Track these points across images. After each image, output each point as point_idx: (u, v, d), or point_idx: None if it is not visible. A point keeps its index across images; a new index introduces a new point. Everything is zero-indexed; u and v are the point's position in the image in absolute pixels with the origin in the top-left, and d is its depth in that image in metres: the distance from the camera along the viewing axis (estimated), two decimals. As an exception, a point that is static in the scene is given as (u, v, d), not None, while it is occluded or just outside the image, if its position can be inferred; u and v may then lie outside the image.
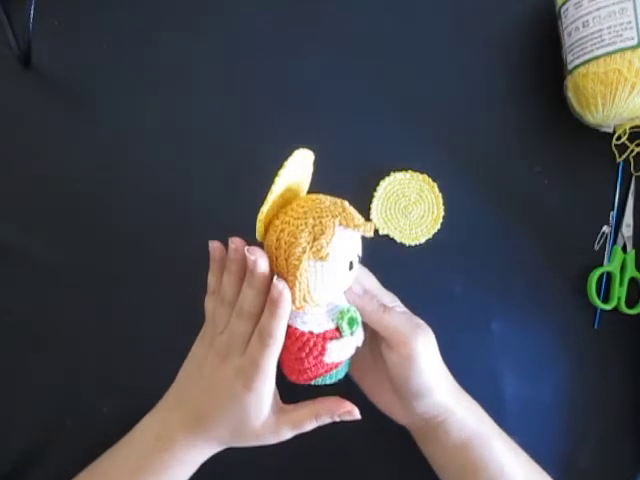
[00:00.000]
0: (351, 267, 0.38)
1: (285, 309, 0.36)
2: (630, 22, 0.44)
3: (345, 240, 0.37)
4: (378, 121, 0.51)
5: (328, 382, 0.40)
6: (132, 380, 0.47)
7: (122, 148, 0.50)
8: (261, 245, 0.38)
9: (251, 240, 0.39)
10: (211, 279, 0.42)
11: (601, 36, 0.45)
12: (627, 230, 0.51)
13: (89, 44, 0.50)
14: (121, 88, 0.50)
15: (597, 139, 0.51)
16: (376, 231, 0.50)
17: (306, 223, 0.36)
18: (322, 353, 0.38)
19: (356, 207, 0.38)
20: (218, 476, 0.43)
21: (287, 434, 0.40)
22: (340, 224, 0.36)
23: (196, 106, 0.50)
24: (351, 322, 0.39)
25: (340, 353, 0.39)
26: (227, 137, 0.50)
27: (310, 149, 0.39)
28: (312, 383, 0.40)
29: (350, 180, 0.50)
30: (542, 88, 0.52)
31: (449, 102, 0.52)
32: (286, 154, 0.36)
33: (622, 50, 0.44)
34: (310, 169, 0.42)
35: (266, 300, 0.37)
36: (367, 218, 0.50)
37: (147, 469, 0.40)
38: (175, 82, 0.51)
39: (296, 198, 0.40)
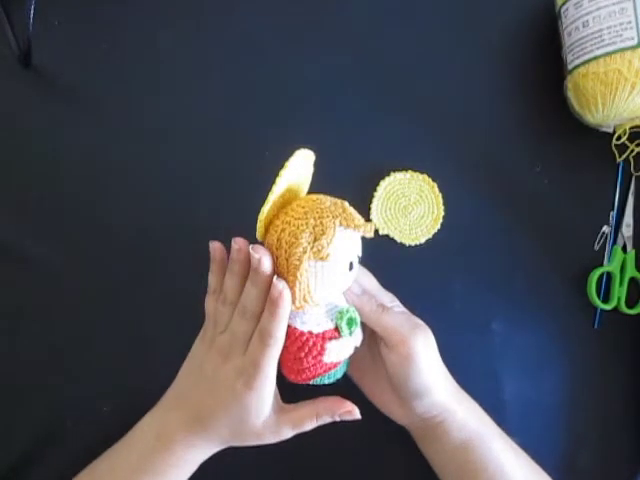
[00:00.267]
0: (351, 267, 0.38)
1: (285, 309, 0.36)
2: (630, 22, 0.44)
3: (345, 240, 0.37)
4: (378, 121, 0.51)
5: (326, 382, 0.40)
6: (132, 380, 0.47)
7: (122, 148, 0.50)
8: (261, 245, 0.38)
9: (251, 240, 0.39)
10: (211, 279, 0.42)
11: (601, 36, 0.45)
12: (627, 230, 0.51)
13: (89, 44, 0.50)
14: (121, 88, 0.50)
15: (597, 139, 0.51)
16: (376, 231, 0.50)
17: (307, 223, 0.36)
18: (321, 353, 0.38)
19: (356, 207, 0.38)
20: (218, 476, 0.43)
21: (287, 433, 0.40)
22: (341, 224, 0.36)
23: (196, 106, 0.50)
24: (350, 322, 0.39)
25: (339, 353, 0.39)
26: (227, 137, 0.50)
27: (311, 149, 0.39)
28: (310, 383, 0.40)
29: (350, 180, 0.50)
30: (542, 88, 0.52)
31: (449, 102, 0.52)
32: (287, 154, 0.36)
33: (622, 50, 0.44)
34: (310, 169, 0.42)
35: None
36: (367, 218, 0.50)
37: (147, 469, 0.40)
38: (175, 82, 0.50)
39: (296, 198, 0.40)
